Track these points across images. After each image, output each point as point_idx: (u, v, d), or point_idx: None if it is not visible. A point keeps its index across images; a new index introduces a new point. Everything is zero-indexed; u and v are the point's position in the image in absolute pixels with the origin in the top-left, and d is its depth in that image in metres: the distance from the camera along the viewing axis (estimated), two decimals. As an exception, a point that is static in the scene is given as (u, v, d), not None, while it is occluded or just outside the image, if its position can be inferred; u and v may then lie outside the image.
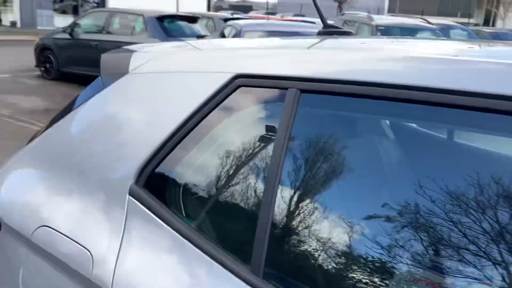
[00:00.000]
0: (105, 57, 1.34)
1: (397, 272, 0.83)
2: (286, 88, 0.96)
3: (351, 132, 1.05)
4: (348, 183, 0.96)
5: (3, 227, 1.27)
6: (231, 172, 1.05)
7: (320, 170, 0.95)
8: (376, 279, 0.84)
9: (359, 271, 0.86)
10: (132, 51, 1.30)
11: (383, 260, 0.84)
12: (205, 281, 0.94)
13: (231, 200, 1.03)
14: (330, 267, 0.90)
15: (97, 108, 1.26)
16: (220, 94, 1.05)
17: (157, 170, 1.08)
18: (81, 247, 1.08)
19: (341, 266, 0.88)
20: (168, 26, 8.60)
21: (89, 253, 1.06)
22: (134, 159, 1.10)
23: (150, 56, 1.25)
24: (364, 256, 0.86)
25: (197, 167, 1.09)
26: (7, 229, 1.25)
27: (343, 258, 0.88)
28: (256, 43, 1.39)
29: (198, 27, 9.25)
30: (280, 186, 0.92)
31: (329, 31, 1.61)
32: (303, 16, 21.87)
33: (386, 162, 1.12)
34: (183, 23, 8.88)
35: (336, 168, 0.96)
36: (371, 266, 0.85)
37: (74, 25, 9.18)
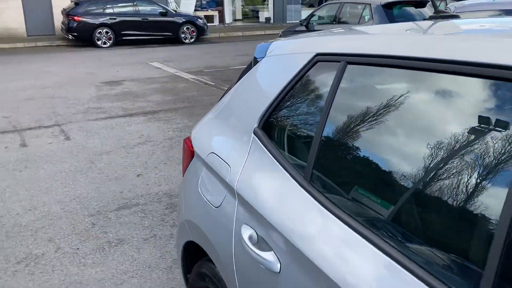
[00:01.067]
0: (258, 46, 1.99)
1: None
2: (339, 61, 1.42)
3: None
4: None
5: (195, 154, 2.06)
6: (311, 117, 1.56)
7: (353, 116, 1.37)
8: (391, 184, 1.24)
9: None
10: (276, 41, 1.91)
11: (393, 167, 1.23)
12: (283, 186, 1.49)
13: (306, 136, 1.55)
14: (364, 180, 1.33)
15: (247, 79, 1.92)
16: (306, 66, 1.56)
17: (269, 118, 1.67)
18: (225, 163, 1.76)
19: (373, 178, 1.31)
20: (395, 12, 8.85)
21: (228, 166, 1.73)
22: (259, 109, 1.71)
23: (278, 44, 1.84)
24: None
25: (292, 116, 1.64)
26: (196, 155, 2.03)
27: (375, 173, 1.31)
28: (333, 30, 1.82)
29: (426, 11, 9.18)
30: (327, 125, 1.40)
31: (439, 15, 1.89)
32: None
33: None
34: (409, 9, 8.98)
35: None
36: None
37: (310, 17, 10.26)
